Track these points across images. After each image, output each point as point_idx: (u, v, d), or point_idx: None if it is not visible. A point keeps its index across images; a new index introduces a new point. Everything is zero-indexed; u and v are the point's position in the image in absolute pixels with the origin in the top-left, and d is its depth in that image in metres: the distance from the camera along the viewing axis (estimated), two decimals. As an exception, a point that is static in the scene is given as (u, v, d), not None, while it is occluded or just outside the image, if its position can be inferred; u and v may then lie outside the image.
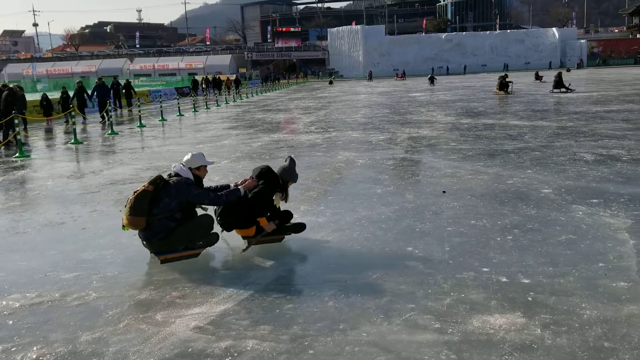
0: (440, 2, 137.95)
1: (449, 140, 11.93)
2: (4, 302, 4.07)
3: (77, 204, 7.20)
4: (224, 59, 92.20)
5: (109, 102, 18.86)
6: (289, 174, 5.23)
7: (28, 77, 76.61)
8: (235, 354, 3.20)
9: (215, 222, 5.03)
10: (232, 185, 5.20)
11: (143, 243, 4.82)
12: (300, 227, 5.30)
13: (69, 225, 6.21)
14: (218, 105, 29.11)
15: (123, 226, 4.76)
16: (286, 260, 4.84)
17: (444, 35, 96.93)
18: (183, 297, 4.08)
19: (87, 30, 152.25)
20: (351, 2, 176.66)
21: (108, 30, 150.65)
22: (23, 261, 5.03)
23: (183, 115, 22.59)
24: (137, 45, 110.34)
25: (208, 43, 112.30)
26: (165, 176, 4.87)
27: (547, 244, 4.92)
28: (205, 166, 5.08)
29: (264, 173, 5.14)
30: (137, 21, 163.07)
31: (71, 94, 22.14)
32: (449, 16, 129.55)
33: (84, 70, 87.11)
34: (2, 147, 13.49)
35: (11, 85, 17.08)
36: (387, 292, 3.98)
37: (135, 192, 4.71)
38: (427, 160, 9.61)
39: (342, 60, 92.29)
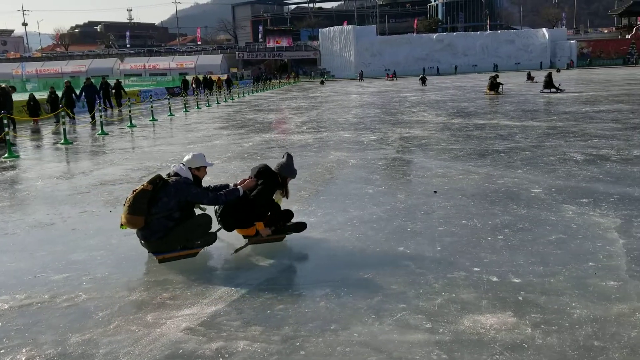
0: (431, 2, 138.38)
1: (440, 140, 11.96)
2: (-7, 304, 4.04)
3: (66, 205, 7.15)
4: (215, 59, 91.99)
5: (99, 102, 18.76)
6: (287, 169, 5.24)
7: (17, 77, 76.11)
8: (227, 355, 3.19)
9: (215, 221, 5.04)
10: (231, 185, 5.20)
11: (141, 242, 4.83)
12: (301, 227, 5.31)
13: (58, 226, 6.17)
14: (209, 106, 29.03)
15: (121, 225, 4.77)
16: (277, 261, 4.83)
17: (435, 35, 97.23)
18: (174, 298, 4.06)
19: (77, 30, 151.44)
20: (342, 2, 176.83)
21: (98, 29, 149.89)
22: (12, 262, 4.99)
23: (174, 115, 22.50)
24: (128, 45, 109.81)
25: (199, 43, 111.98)
26: (164, 176, 4.88)
27: (537, 243, 4.95)
28: (205, 167, 5.10)
29: (262, 172, 5.16)
30: (128, 21, 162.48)
31: (60, 94, 21.97)
32: (440, 16, 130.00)
33: (74, 70, 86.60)
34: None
35: (3, 85, 16.94)
36: (378, 292, 3.98)
37: (134, 191, 4.72)
38: (418, 160, 9.63)
39: (334, 60, 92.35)
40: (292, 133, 14.81)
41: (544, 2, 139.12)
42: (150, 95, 30.52)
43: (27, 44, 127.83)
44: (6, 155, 11.81)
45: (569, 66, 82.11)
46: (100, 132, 16.25)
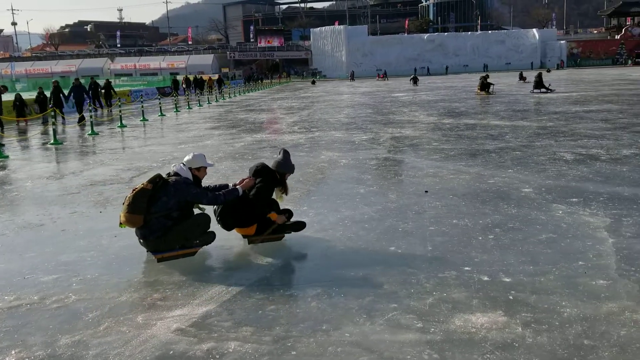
0: (422, 2, 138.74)
1: (431, 140, 12.00)
2: (-19, 306, 4.00)
3: (56, 205, 7.10)
4: (206, 59, 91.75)
5: (89, 102, 18.64)
6: (285, 166, 5.27)
7: (7, 77, 75.55)
8: (217, 356, 3.18)
9: (215, 221, 5.06)
10: (230, 185, 5.20)
11: (140, 241, 4.84)
12: (300, 226, 5.32)
13: (48, 227, 6.12)
14: (200, 106, 28.95)
15: (120, 223, 4.79)
16: (269, 261, 4.82)
17: (426, 35, 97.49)
18: (164, 299, 4.04)
19: (67, 30, 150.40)
20: (334, 2, 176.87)
21: (88, 29, 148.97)
22: (1, 263, 4.95)
23: (165, 115, 22.42)
24: (118, 45, 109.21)
25: (190, 43, 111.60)
26: (164, 175, 4.90)
27: (527, 242, 4.97)
28: (206, 167, 5.12)
29: (260, 170, 5.17)
30: (118, 20, 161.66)
31: (48, 94, 21.79)
32: (431, 17, 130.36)
33: (64, 70, 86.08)
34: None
35: None
36: (369, 292, 3.99)
37: (134, 190, 4.74)
38: (409, 160, 9.65)
39: (325, 60, 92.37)
40: (284, 133, 14.79)
41: (534, 2, 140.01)
42: (141, 95, 30.41)
43: (17, 43, 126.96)
44: (-5, 155, 11.71)
45: (559, 66, 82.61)
46: (90, 132, 16.16)
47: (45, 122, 19.83)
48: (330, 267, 4.73)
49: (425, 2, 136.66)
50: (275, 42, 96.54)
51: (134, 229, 4.84)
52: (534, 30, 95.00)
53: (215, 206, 5.16)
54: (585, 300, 3.73)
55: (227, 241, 5.17)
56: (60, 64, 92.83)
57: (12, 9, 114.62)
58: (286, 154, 5.33)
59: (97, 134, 16.14)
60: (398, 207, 6.41)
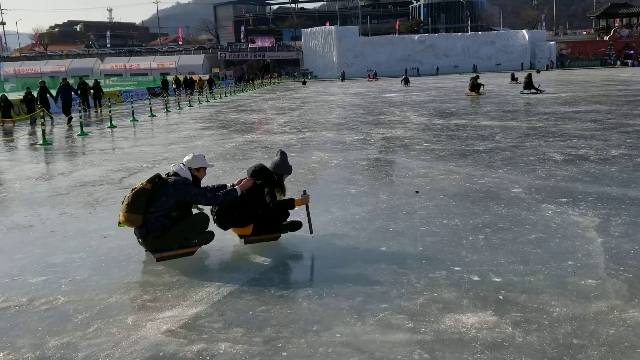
0: (412, 3, 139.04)
1: (422, 141, 12.03)
2: (-31, 308, 3.96)
3: (45, 206, 7.05)
4: (197, 59, 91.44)
5: (78, 102, 18.51)
6: (283, 167, 5.31)
7: (-5, 77, 74.94)
8: (208, 357, 3.17)
9: (212, 220, 5.07)
10: (229, 185, 5.22)
11: (139, 241, 4.85)
12: (296, 225, 5.33)
13: (37, 228, 6.08)
14: (191, 106, 28.86)
15: (119, 223, 4.80)
16: (259, 262, 4.81)
17: (416, 36, 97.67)
18: (154, 300, 4.02)
19: (56, 30, 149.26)
20: (324, 2, 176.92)
21: (78, 29, 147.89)
22: (-11, 265, 4.90)
23: (155, 115, 22.33)
24: (108, 45, 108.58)
25: (180, 43, 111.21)
26: (163, 175, 4.91)
27: (517, 242, 5.00)
28: (205, 168, 5.14)
29: (258, 171, 5.20)
30: (108, 20, 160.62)
31: (36, 94, 21.62)
32: (422, 18, 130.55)
33: (54, 70, 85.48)
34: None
35: None
36: (360, 293, 3.99)
37: (133, 189, 4.75)
38: (400, 161, 9.67)
39: (316, 60, 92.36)
40: (275, 133, 14.78)
41: (524, 4, 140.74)
42: (131, 95, 30.29)
43: (5, 43, 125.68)
44: (-17, 156, 11.61)
45: (549, 67, 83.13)
46: (80, 132, 16.06)
47: (32, 123, 19.68)
48: (321, 267, 4.74)
49: (416, 3, 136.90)
50: (266, 43, 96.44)
51: (129, 230, 4.86)
52: (524, 31, 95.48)
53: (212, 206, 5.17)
54: (574, 300, 3.75)
55: (219, 242, 5.15)
56: (50, 64, 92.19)
57: (1, 9, 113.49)
58: (283, 155, 5.36)
59: (87, 134, 16.04)
60: (389, 207, 6.42)
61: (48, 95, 20.84)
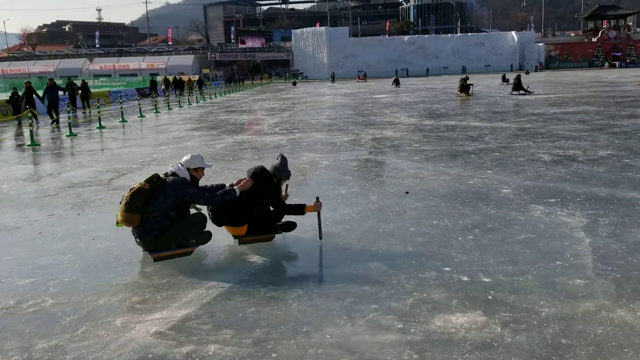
0: (402, 5, 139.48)
1: (412, 142, 12.06)
2: (-45, 311, 3.92)
3: (33, 208, 7.00)
4: (187, 60, 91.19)
5: (67, 102, 18.36)
6: (282, 172, 5.32)
7: (-18, 77, 74.20)
8: (197, 359, 3.16)
9: (208, 218, 5.08)
10: (227, 185, 5.23)
11: (137, 241, 4.86)
12: (291, 226, 5.33)
13: (24, 230, 6.02)
14: (180, 107, 28.75)
15: (117, 222, 4.80)
16: (249, 263, 4.80)
17: (406, 37, 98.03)
18: (143, 302, 4.00)
19: (44, 30, 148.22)
20: (315, 3, 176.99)
21: (67, 29, 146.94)
22: (-25, 267, 4.85)
23: (144, 116, 22.22)
24: (97, 45, 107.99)
25: (170, 43, 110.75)
26: (162, 175, 4.92)
27: (506, 243, 5.02)
28: (203, 168, 5.15)
29: (258, 173, 5.21)
30: (97, 20, 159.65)
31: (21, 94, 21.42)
32: (412, 19, 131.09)
33: (42, 71, 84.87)
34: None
35: None
36: (350, 293, 3.99)
37: (131, 189, 4.76)
38: (390, 162, 9.69)
39: (307, 61, 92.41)
40: (265, 134, 14.76)
41: (513, 5, 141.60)
42: (120, 96, 30.07)
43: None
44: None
45: (538, 68, 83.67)
46: (68, 133, 15.94)
47: (20, 124, 19.49)
48: (311, 268, 4.74)
49: (406, 4, 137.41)
50: (257, 43, 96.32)
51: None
52: (513, 32, 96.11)
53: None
54: (562, 300, 3.77)
55: (211, 242, 5.12)
56: (38, 64, 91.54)
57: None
58: (284, 160, 5.39)
59: (75, 135, 15.93)
60: (379, 208, 6.43)
61: (34, 95, 20.65)
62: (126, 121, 20.24)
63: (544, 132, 12.91)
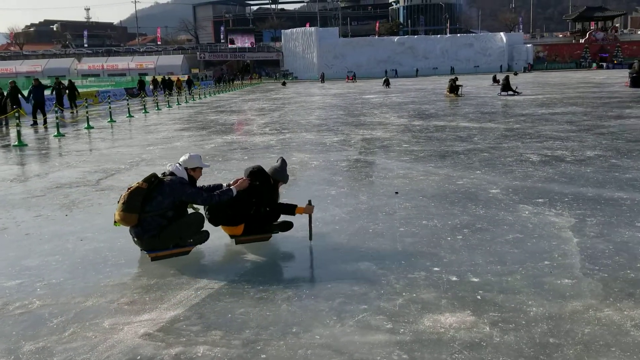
0: (392, 5, 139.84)
1: (402, 142, 12.09)
2: (-60, 313, 3.87)
3: (20, 209, 6.93)
4: (176, 59, 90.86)
5: (54, 102, 18.21)
6: (281, 174, 5.34)
7: (-32, 77, 73.45)
8: (186, 360, 3.14)
9: (205, 218, 5.08)
10: (224, 185, 5.22)
11: (134, 240, 4.85)
12: (287, 226, 5.33)
13: (11, 231, 5.97)
14: (169, 107, 28.63)
15: (115, 222, 4.79)
16: (238, 264, 4.79)
17: (396, 38, 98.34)
18: (131, 303, 3.98)
19: (32, 29, 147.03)
20: (305, 3, 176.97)
21: (54, 28, 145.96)
22: (-39, 269, 4.80)
23: (133, 116, 22.10)
24: (85, 45, 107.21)
25: (159, 43, 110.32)
26: (159, 174, 4.92)
27: (495, 243, 5.04)
28: (201, 168, 5.15)
29: (255, 173, 5.22)
30: (85, 20, 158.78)
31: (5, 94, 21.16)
32: (401, 20, 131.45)
33: (29, 70, 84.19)
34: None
35: None
36: (340, 294, 3.99)
37: (129, 188, 4.76)
38: (380, 162, 9.71)
39: (297, 61, 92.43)
40: (255, 135, 14.73)
41: (501, 6, 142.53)
42: (109, 96, 29.88)
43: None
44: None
45: (526, 69, 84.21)
46: (56, 134, 15.82)
47: (6, 124, 19.29)
48: (300, 269, 4.74)
49: (396, 5, 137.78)
50: (246, 43, 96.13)
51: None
52: (502, 33, 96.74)
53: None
54: (550, 299, 3.80)
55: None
56: (26, 64, 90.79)
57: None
58: (284, 163, 5.40)
59: (63, 135, 15.81)
60: (369, 208, 6.44)
61: (20, 95, 20.43)
62: (115, 121, 20.11)
63: (532, 132, 13.00)
